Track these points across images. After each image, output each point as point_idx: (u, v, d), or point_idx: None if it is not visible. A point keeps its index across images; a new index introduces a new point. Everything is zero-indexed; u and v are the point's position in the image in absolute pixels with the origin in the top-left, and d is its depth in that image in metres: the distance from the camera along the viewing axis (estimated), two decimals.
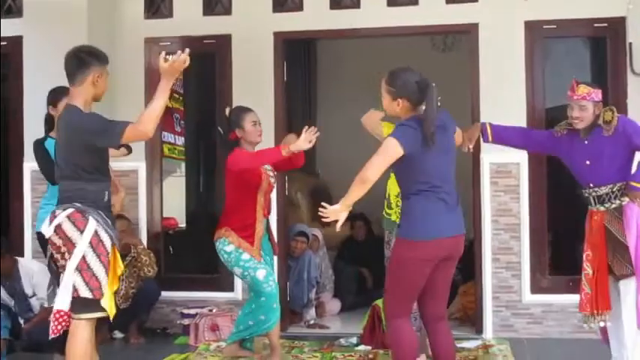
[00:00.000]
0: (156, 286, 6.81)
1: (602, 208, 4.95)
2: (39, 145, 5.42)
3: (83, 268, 4.26)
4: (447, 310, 4.59)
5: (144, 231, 7.24)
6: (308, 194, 9.07)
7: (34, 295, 6.42)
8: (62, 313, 4.30)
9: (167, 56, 4.34)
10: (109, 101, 6.97)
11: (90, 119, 4.37)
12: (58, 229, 4.33)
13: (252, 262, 5.43)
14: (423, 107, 4.29)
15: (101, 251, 4.31)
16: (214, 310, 6.85)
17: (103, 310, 4.33)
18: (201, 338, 6.58)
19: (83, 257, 4.26)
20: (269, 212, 5.65)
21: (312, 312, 7.51)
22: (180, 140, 9.80)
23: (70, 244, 4.29)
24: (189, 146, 9.58)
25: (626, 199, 4.86)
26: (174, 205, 9.06)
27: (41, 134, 5.54)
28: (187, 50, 4.35)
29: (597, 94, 4.97)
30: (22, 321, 6.40)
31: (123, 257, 6.64)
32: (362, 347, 6.16)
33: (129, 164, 6.89)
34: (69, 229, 4.29)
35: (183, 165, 9.99)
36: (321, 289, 7.88)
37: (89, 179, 4.37)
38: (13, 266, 6.38)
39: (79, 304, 4.29)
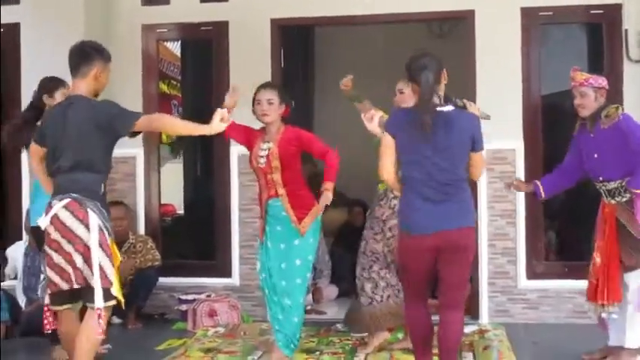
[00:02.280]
0: (154, 272, 6.85)
1: (613, 202, 4.99)
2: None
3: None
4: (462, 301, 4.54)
5: (142, 217, 7.26)
6: (306, 181, 9.08)
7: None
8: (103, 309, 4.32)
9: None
10: (106, 88, 7.02)
11: (106, 103, 4.50)
12: (55, 219, 4.33)
13: (259, 255, 5.49)
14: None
15: (103, 240, 4.34)
16: (212, 296, 6.88)
17: (114, 298, 4.36)
18: (199, 324, 6.61)
19: (89, 249, 4.28)
20: (277, 193, 5.34)
21: (309, 298, 7.54)
22: None
23: (70, 234, 4.30)
24: None
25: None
26: (173, 191, 9.10)
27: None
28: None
29: (597, 80, 5.02)
30: (23, 303, 6.44)
31: (119, 245, 6.73)
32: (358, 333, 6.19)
33: (127, 151, 6.89)
34: (67, 218, 4.30)
35: (181, 151, 10.02)
36: (318, 275, 7.92)
37: (86, 171, 4.38)
38: None
39: (92, 295, 4.31)
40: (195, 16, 7.25)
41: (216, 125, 4.43)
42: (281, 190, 5.34)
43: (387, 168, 4.38)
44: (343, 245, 8.61)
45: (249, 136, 5.47)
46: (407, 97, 5.16)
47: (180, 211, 9.71)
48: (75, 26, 6.71)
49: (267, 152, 5.32)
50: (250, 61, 7.06)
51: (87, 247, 4.28)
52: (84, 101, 4.43)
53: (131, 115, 4.43)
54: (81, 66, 4.47)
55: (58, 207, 4.33)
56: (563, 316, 6.64)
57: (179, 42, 9.21)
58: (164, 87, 9.12)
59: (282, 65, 7.24)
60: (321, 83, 10.11)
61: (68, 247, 4.31)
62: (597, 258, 5.09)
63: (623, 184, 4.93)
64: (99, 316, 4.26)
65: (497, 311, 6.76)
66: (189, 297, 6.92)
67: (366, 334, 5.88)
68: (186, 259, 7.77)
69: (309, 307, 7.38)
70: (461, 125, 4.29)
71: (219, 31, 7.22)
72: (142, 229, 7.24)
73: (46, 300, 4.48)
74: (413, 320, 4.51)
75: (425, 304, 4.48)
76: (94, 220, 4.29)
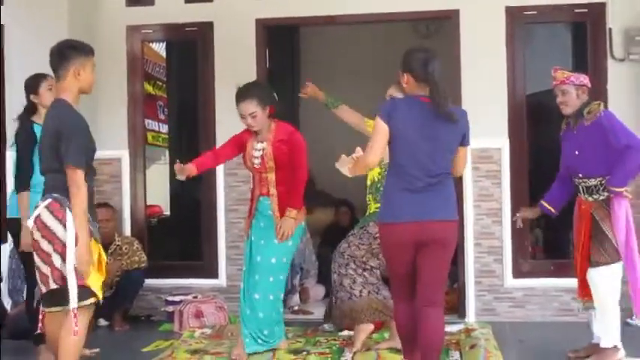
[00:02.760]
0: (140, 273, 6.84)
1: (590, 199, 5.01)
2: (28, 132, 5.43)
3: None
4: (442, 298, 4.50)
5: (128, 219, 7.25)
6: None
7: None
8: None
9: None
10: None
11: (70, 124, 4.31)
12: (37, 219, 4.32)
13: (244, 250, 5.54)
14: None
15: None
16: (199, 297, 6.87)
17: (94, 295, 4.33)
18: (186, 325, 6.60)
19: (65, 247, 4.26)
20: (269, 192, 5.43)
21: (296, 298, 7.55)
22: (164, 128, 9.81)
23: (49, 234, 4.28)
24: (172, 133, 9.59)
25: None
26: (159, 192, 9.07)
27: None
28: None
29: (578, 78, 5.05)
30: (9, 305, 6.42)
31: (106, 247, 6.70)
32: (345, 332, 6.19)
33: (112, 152, 6.91)
34: (47, 218, 4.29)
35: (167, 152, 9.99)
36: (304, 275, 7.91)
37: (62, 173, 4.30)
38: None
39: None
40: (180, 16, 7.24)
41: (82, 253, 4.22)
42: (273, 190, 5.40)
43: (377, 153, 4.31)
44: (330, 245, 8.55)
45: (239, 145, 5.50)
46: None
47: (167, 212, 9.68)
48: (59, 27, 6.67)
49: (261, 153, 5.36)
50: (235, 62, 7.05)
51: (65, 246, 4.26)
52: (59, 108, 4.37)
53: (70, 154, 4.23)
54: (59, 68, 4.40)
55: (41, 208, 4.33)
56: (550, 314, 6.67)
57: (164, 43, 9.19)
58: (149, 88, 9.10)
59: (268, 65, 7.24)
60: None
61: (47, 247, 4.29)
62: (577, 256, 5.15)
63: (603, 182, 4.96)
64: (74, 315, 4.23)
65: (483, 310, 6.78)
66: (176, 298, 6.91)
67: (352, 332, 5.88)
68: (173, 260, 7.75)
69: (296, 308, 7.39)
70: (454, 120, 4.32)
71: (204, 31, 7.21)
72: (127, 230, 7.22)
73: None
74: (401, 317, 4.50)
75: (412, 300, 4.43)
76: (71, 218, 4.26)
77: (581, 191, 5.09)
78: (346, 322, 5.78)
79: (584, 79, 5.09)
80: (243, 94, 5.37)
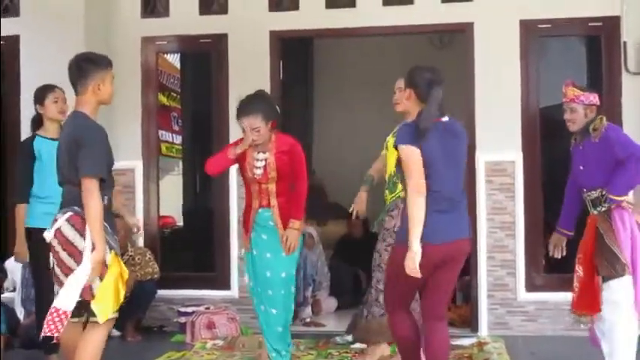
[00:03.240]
0: (152, 284, 6.84)
1: (595, 212, 5.00)
2: (26, 146, 5.49)
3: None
4: (447, 312, 4.57)
5: (141, 229, 7.24)
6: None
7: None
8: (61, 312, 4.28)
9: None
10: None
11: (88, 134, 4.30)
12: (58, 232, 4.31)
13: (246, 262, 5.48)
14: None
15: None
16: (211, 308, 6.87)
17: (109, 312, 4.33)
18: (198, 336, 6.60)
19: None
20: (269, 203, 5.34)
21: (308, 310, 7.55)
22: (178, 139, 9.85)
23: (71, 247, 4.27)
24: (186, 144, 9.62)
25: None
26: (172, 203, 9.10)
27: None
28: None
29: (587, 97, 4.99)
30: (21, 315, 6.43)
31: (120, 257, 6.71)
32: (357, 345, 6.18)
33: (126, 163, 6.93)
34: (68, 231, 4.26)
35: (180, 163, 10.03)
36: (317, 287, 7.92)
37: (76, 186, 4.28)
38: None
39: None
40: (195, 28, 7.27)
41: (97, 260, 4.22)
42: (273, 201, 5.35)
43: (418, 182, 4.19)
44: (342, 257, 8.62)
45: (239, 154, 5.41)
46: (399, 97, 5.23)
47: (180, 223, 9.71)
48: (75, 38, 6.72)
49: (264, 163, 5.30)
50: (249, 73, 7.06)
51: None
52: (78, 119, 4.37)
53: (87, 165, 4.22)
54: (78, 82, 4.37)
55: (62, 220, 4.31)
56: (562, 328, 6.62)
57: (178, 54, 9.23)
58: (163, 99, 9.14)
59: (281, 77, 7.25)
60: (321, 94, 10.13)
61: (69, 261, 4.28)
62: (580, 270, 5.10)
63: (603, 192, 4.93)
64: (50, 313, 4.18)
65: (496, 324, 6.75)
66: (188, 309, 6.91)
67: (365, 345, 5.86)
68: (185, 271, 7.77)
69: (308, 320, 7.38)
70: (463, 135, 4.38)
71: (219, 43, 7.24)
72: (141, 241, 7.23)
73: (68, 305, 4.25)
74: (403, 328, 4.46)
75: (410, 312, 4.49)
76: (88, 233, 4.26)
77: (588, 205, 5.07)
78: (372, 337, 5.73)
79: (593, 98, 5.01)
80: (248, 108, 5.30)
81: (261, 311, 5.38)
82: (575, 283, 5.10)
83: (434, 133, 4.23)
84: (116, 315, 4.41)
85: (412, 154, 4.19)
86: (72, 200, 4.32)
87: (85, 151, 4.23)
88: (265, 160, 5.30)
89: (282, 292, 5.35)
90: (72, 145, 4.29)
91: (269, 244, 5.35)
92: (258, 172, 5.30)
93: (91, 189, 4.19)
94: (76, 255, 4.25)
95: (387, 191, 5.60)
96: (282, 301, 5.35)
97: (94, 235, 4.19)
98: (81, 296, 4.23)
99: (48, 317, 4.21)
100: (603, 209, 4.94)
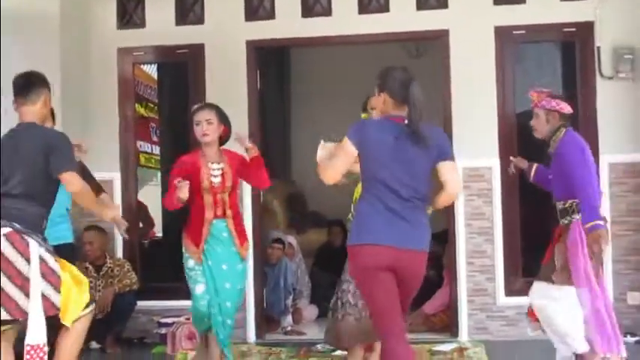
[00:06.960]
0: (132, 295, 6.81)
1: (561, 224, 4.99)
2: None
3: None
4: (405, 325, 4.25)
5: (120, 241, 7.22)
6: (284, 201, 9.10)
7: None
8: (36, 347, 4.19)
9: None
10: (82, 111, 7.01)
11: (56, 134, 4.52)
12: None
13: (194, 273, 5.41)
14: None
15: (46, 271, 4.24)
16: (191, 319, 6.84)
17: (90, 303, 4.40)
18: (179, 347, 6.57)
19: (29, 281, 4.19)
20: (225, 214, 5.39)
21: (289, 318, 7.54)
22: (157, 149, 9.82)
23: (7, 266, 4.18)
24: (164, 155, 9.59)
25: (576, 216, 4.84)
26: (151, 214, 9.05)
27: None
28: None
29: (549, 102, 4.93)
30: None
31: (98, 268, 6.69)
32: (338, 352, 6.17)
33: (104, 174, 6.88)
34: (6, 248, 4.19)
35: (159, 174, 9.99)
36: (297, 295, 7.91)
37: (32, 201, 4.30)
38: None
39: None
40: (171, 38, 7.27)
41: (110, 212, 4.65)
42: (228, 212, 5.40)
43: (338, 171, 4.13)
44: (322, 265, 8.62)
45: (187, 168, 5.36)
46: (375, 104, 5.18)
47: (159, 234, 9.66)
48: (50, 49, 6.70)
49: (221, 172, 5.35)
50: (226, 83, 7.08)
51: (27, 280, 4.18)
52: (36, 129, 4.43)
53: (66, 161, 4.34)
54: (31, 93, 4.48)
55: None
56: (542, 332, 6.65)
57: (155, 64, 9.21)
58: (141, 109, 9.11)
59: (259, 86, 7.26)
60: (298, 102, 10.14)
61: (3, 279, 4.18)
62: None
63: (566, 205, 4.90)
64: (27, 352, 4.15)
65: (476, 329, 6.78)
66: (169, 320, 6.88)
67: (346, 352, 5.84)
68: (165, 282, 7.72)
69: (289, 328, 7.38)
70: (431, 139, 4.02)
71: (195, 53, 7.24)
72: (120, 252, 7.20)
73: (40, 339, 4.24)
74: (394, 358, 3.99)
75: (405, 337, 4.05)
76: (35, 250, 4.21)
77: (557, 214, 5.04)
78: (349, 341, 5.65)
79: (556, 104, 4.92)
80: (204, 105, 5.60)
81: (218, 322, 5.37)
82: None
83: (384, 131, 4.02)
84: (93, 309, 4.46)
85: (345, 146, 4.07)
86: (10, 215, 4.24)
87: (60, 151, 4.34)
88: (222, 169, 5.36)
89: (237, 304, 5.45)
90: (41, 151, 4.32)
91: (224, 255, 5.37)
92: (217, 180, 5.34)
93: (75, 182, 4.31)
94: (12, 274, 4.18)
95: (351, 214, 5.54)
96: (235, 311, 5.45)
97: (97, 207, 4.56)
98: (46, 316, 4.20)
99: (26, 357, 4.17)
100: (566, 222, 4.92)
